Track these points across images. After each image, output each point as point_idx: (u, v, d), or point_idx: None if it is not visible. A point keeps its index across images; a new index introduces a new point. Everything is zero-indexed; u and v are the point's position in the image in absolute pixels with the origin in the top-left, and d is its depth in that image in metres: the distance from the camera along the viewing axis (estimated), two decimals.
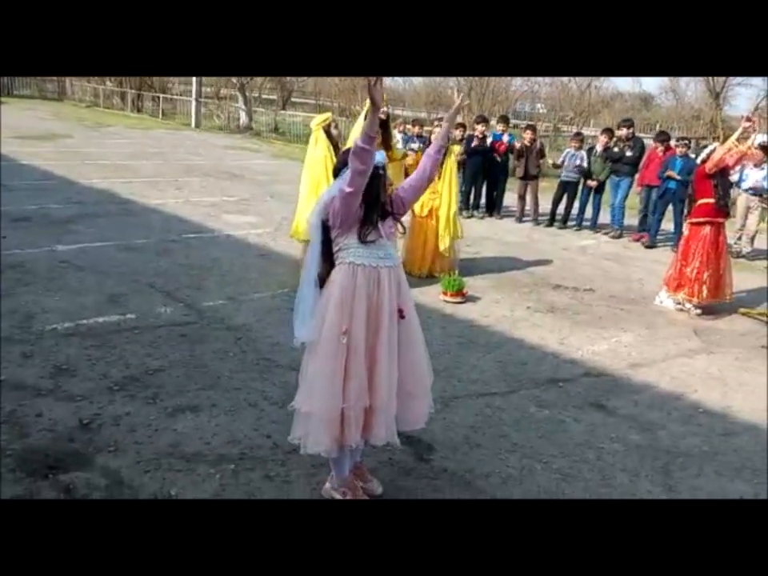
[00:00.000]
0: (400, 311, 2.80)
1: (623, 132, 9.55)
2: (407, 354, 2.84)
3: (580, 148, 9.85)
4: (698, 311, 6.24)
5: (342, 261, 2.74)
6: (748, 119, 6.02)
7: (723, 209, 6.21)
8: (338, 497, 2.95)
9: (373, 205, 2.75)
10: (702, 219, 6.19)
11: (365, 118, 6.12)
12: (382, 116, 6.09)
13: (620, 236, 9.60)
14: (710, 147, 6.53)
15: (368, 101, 6.49)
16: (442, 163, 6.55)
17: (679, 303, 6.34)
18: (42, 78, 27.64)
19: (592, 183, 9.67)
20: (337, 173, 2.87)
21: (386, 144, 6.26)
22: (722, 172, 6.10)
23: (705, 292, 6.17)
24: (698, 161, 6.53)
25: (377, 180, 2.75)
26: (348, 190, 2.63)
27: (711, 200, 6.11)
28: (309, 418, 2.75)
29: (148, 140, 16.69)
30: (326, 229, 2.77)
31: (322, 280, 2.80)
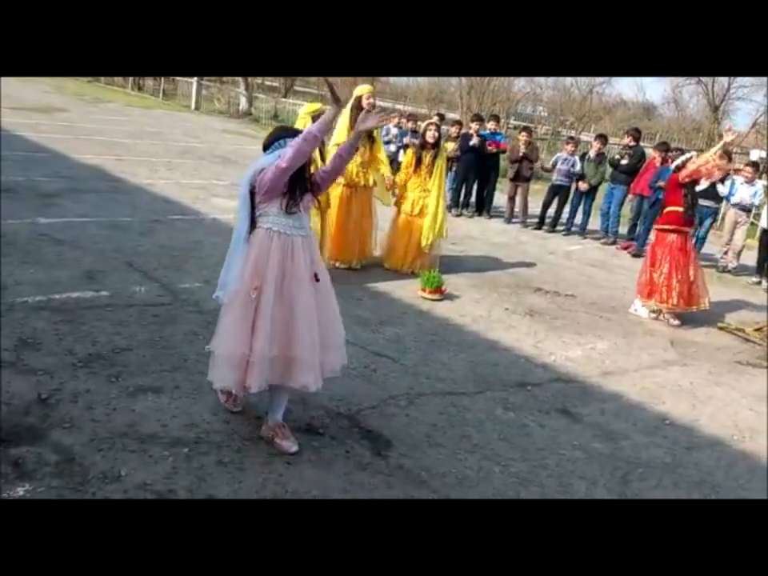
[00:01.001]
0: (315, 275, 3.19)
1: (626, 140, 9.59)
2: (323, 313, 3.21)
3: (573, 153, 9.83)
4: (677, 322, 6.24)
5: (261, 226, 3.11)
6: (730, 128, 6.08)
7: (691, 218, 6.30)
8: (272, 436, 3.30)
9: (299, 181, 3.10)
10: (669, 227, 6.26)
11: (350, 110, 6.12)
12: (368, 108, 6.07)
13: (613, 243, 9.61)
14: (686, 155, 6.57)
15: (355, 92, 6.40)
16: (434, 161, 6.53)
17: (654, 312, 6.35)
18: None
19: (583, 186, 9.66)
20: (266, 147, 3.17)
21: (370, 136, 6.23)
22: (693, 182, 6.14)
23: (675, 298, 6.17)
24: (672, 167, 6.58)
25: (307, 160, 3.11)
26: (284, 165, 2.94)
27: (680, 208, 6.17)
28: (217, 359, 3.17)
29: (146, 119, 16.60)
30: (251, 195, 3.11)
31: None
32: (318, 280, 3.20)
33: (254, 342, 3.05)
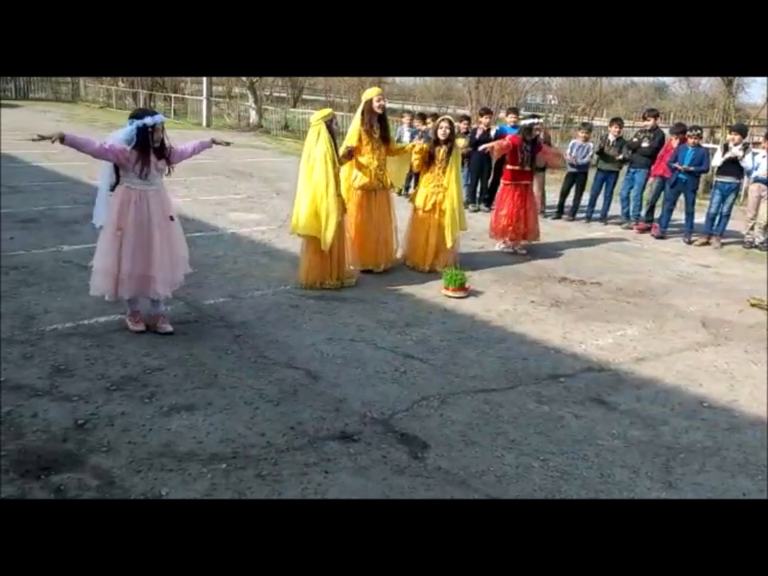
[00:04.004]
0: (170, 217, 4.51)
1: (646, 123, 9.49)
2: (176, 243, 4.59)
3: (587, 139, 9.73)
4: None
5: (122, 183, 4.36)
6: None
7: (527, 172, 7.54)
8: (128, 322, 4.65)
9: (145, 154, 4.28)
10: (509, 182, 7.51)
11: (361, 114, 6.12)
12: (379, 111, 6.07)
13: (636, 227, 9.47)
14: (532, 121, 7.58)
15: (364, 96, 6.42)
16: (448, 158, 6.50)
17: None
18: (57, 80, 27.93)
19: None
20: (131, 118, 4.30)
21: (385, 138, 6.22)
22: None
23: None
24: (521, 126, 7.75)
25: (145, 137, 4.26)
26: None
27: (517, 167, 7.41)
28: (93, 273, 4.45)
29: None
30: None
31: (113, 188, 4.39)
32: (172, 219, 4.52)
33: (121, 264, 4.32)
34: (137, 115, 4.34)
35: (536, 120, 7.68)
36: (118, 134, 4.32)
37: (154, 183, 4.41)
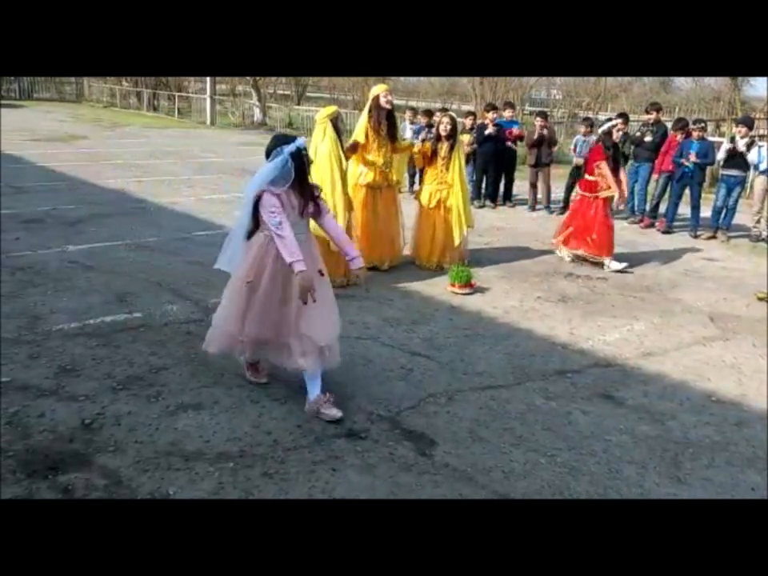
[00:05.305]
0: (320, 271, 3.60)
1: (649, 117, 9.44)
2: (324, 304, 3.59)
3: (590, 133, 9.70)
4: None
5: (263, 231, 3.52)
6: None
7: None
8: (246, 372, 3.98)
9: (304, 185, 3.49)
10: (589, 194, 6.99)
11: (369, 111, 6.11)
12: (388, 106, 6.05)
13: (641, 221, 9.44)
14: (611, 123, 7.08)
15: (371, 92, 6.40)
16: (450, 154, 6.48)
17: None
18: (60, 80, 27.99)
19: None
20: (268, 154, 3.48)
21: (392, 135, 6.20)
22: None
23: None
24: (599, 132, 7.22)
25: (302, 163, 3.46)
26: (274, 232, 3.39)
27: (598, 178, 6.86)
28: (213, 329, 3.74)
29: (163, 139, 16.78)
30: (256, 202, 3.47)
31: (250, 235, 3.58)
32: (322, 274, 3.63)
33: (244, 325, 3.58)
34: (283, 142, 3.46)
35: (614, 122, 7.17)
36: (265, 175, 3.42)
37: (303, 230, 3.58)
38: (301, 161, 3.44)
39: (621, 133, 9.34)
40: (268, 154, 3.47)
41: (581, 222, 7.01)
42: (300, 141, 3.45)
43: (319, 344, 3.54)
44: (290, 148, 3.39)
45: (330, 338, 3.64)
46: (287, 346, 3.56)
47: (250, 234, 3.57)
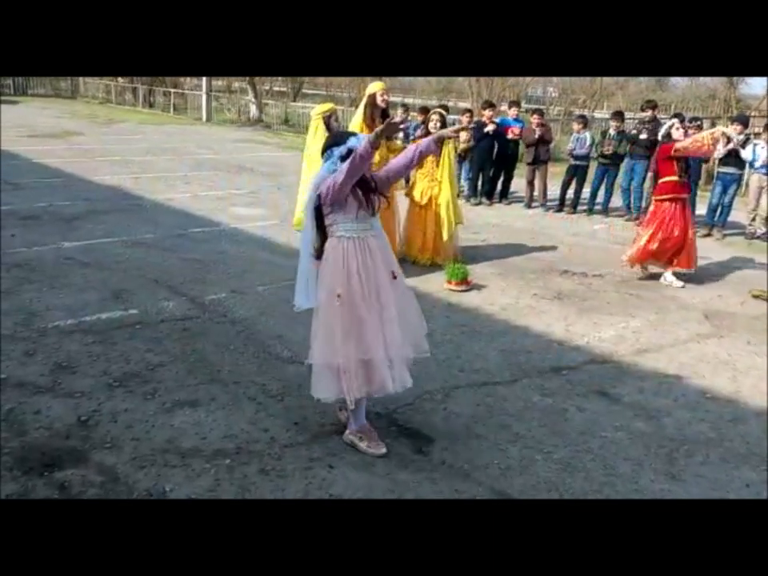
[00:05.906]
0: (393, 273, 3.27)
1: (645, 114, 9.46)
2: (407, 311, 3.32)
3: (584, 128, 9.72)
4: (680, 283, 6.49)
5: (333, 234, 3.16)
6: None
7: (686, 184, 6.53)
8: (356, 441, 3.32)
9: (366, 189, 3.15)
10: (666, 196, 6.44)
11: (364, 108, 6.08)
12: (383, 105, 6.04)
13: (637, 219, 9.45)
14: (669, 123, 6.66)
15: (367, 90, 6.38)
16: (440, 150, 6.47)
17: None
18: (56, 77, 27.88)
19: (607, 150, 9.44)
20: (323, 152, 3.23)
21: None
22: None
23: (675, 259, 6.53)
24: (659, 137, 6.78)
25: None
26: (339, 185, 3.00)
27: (675, 177, 6.36)
28: (315, 371, 3.19)
29: (159, 135, 16.73)
30: (318, 207, 3.17)
31: (319, 252, 3.21)
32: (395, 277, 3.28)
33: (345, 348, 3.09)
34: (333, 143, 3.21)
35: (676, 120, 6.60)
36: (319, 179, 3.18)
37: (374, 226, 3.24)
38: None
39: (615, 132, 9.40)
40: (322, 154, 3.26)
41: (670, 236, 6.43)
42: (352, 141, 3.13)
43: (409, 356, 3.30)
44: (339, 150, 3.15)
45: (420, 348, 3.40)
46: (377, 365, 3.12)
47: (318, 254, 3.22)
